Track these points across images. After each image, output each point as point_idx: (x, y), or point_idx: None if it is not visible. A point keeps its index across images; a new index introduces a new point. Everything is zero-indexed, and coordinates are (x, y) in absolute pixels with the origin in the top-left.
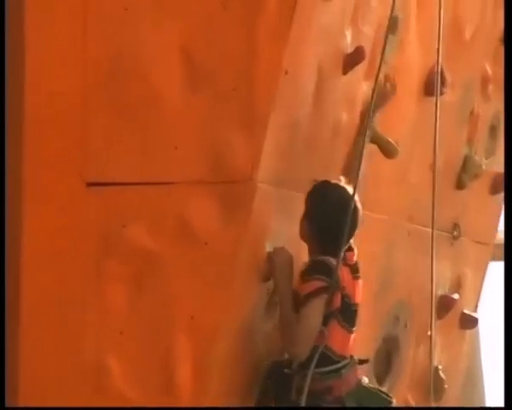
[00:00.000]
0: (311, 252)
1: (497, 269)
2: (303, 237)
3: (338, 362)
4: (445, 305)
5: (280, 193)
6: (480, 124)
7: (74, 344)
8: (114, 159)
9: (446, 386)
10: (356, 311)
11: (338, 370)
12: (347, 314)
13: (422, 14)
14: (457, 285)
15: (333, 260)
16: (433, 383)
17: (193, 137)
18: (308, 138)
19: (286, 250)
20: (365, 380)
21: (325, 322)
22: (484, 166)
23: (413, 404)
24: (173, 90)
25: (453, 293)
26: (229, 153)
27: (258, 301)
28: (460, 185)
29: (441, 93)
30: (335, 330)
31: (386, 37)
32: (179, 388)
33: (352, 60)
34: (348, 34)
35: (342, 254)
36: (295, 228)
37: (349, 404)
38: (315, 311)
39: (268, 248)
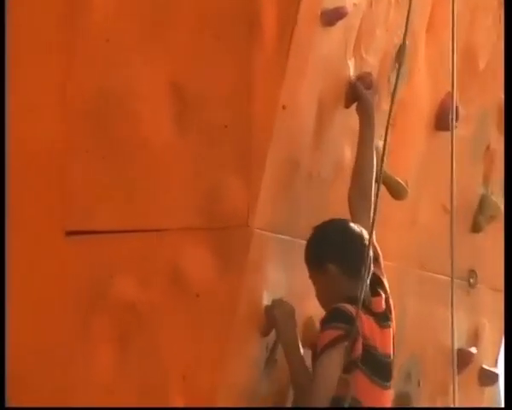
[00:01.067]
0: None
1: None
2: (327, 288)
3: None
4: (461, 360)
5: (279, 239)
6: (497, 160)
7: (60, 405)
8: (98, 205)
9: None
10: (389, 363)
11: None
12: (375, 367)
13: (431, 41)
14: (475, 338)
15: (349, 307)
16: None
17: (184, 180)
18: (309, 178)
19: (286, 302)
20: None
21: (346, 370)
22: (502, 207)
23: None
24: (162, 129)
25: (470, 346)
26: (224, 196)
27: (257, 359)
28: (476, 228)
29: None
30: (362, 382)
31: (400, 67)
32: None
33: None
34: (351, 64)
35: (364, 298)
36: (296, 277)
37: None
38: (333, 361)
39: (266, 299)
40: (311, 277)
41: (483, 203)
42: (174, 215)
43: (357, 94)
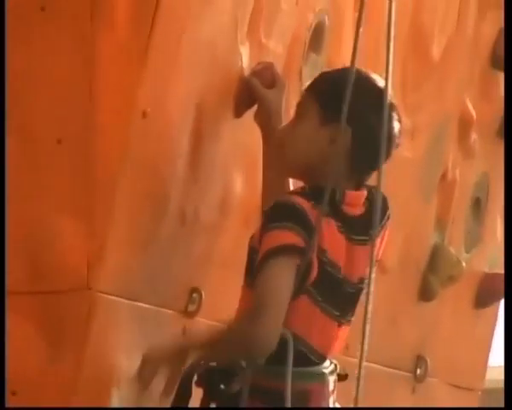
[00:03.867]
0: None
1: None
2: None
3: (316, 363)
4: None
5: (136, 308)
6: (457, 195)
7: None
8: None
9: None
10: (353, 294)
11: (321, 374)
12: (331, 293)
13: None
14: None
15: (306, 205)
16: None
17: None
18: (181, 219)
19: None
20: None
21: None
22: (464, 264)
23: None
24: None
25: None
26: (55, 246)
27: None
28: (427, 295)
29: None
30: (307, 309)
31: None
32: None
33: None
34: (244, 52)
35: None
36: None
37: None
38: (283, 273)
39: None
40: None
41: (437, 257)
42: None
43: (254, 95)
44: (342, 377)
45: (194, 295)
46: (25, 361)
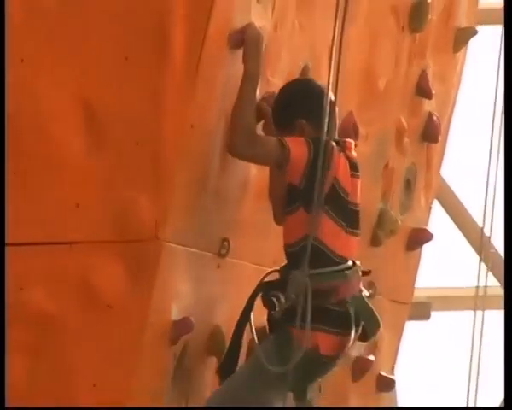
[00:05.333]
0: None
1: (414, 329)
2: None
3: (340, 263)
4: (360, 367)
5: (187, 252)
6: (394, 178)
7: None
8: (12, 218)
9: None
10: (357, 212)
11: (342, 271)
12: (342, 211)
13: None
14: (373, 346)
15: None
16: None
17: (95, 195)
18: (217, 194)
19: (257, 28)
20: (366, 292)
21: (309, 208)
22: (400, 222)
23: None
24: (74, 146)
25: (369, 354)
26: (134, 211)
27: (166, 367)
28: (375, 242)
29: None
30: (326, 224)
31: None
32: None
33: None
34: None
35: (338, 140)
36: (203, 288)
37: (352, 308)
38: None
39: (174, 313)
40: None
41: (382, 218)
42: (85, 228)
43: (262, 113)
44: (366, 273)
45: (225, 243)
46: (112, 287)
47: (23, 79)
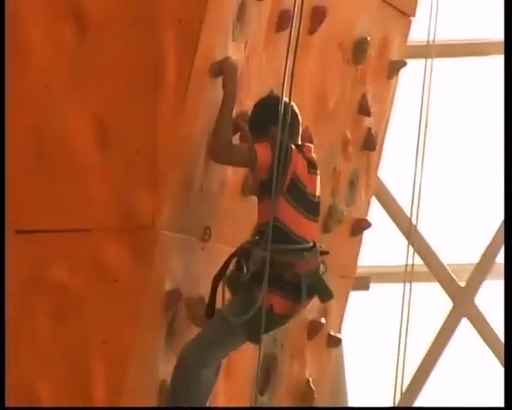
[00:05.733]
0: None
1: (356, 297)
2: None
3: (299, 243)
4: (314, 328)
5: (178, 237)
6: (341, 179)
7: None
8: (39, 211)
9: (316, 396)
10: (317, 203)
11: (300, 251)
12: (302, 200)
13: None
14: (324, 312)
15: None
16: (305, 393)
17: (106, 191)
18: (201, 191)
19: (233, 60)
20: (322, 269)
21: (269, 193)
22: (345, 214)
23: None
24: (88, 152)
25: (321, 318)
26: (136, 204)
27: (160, 328)
28: (326, 229)
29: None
30: (286, 209)
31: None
32: (95, 402)
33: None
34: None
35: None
36: (191, 267)
37: (304, 282)
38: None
39: (167, 286)
40: (255, 141)
41: (331, 211)
42: (98, 218)
43: (238, 127)
44: (325, 253)
45: (207, 230)
46: (119, 265)
47: (48, 101)
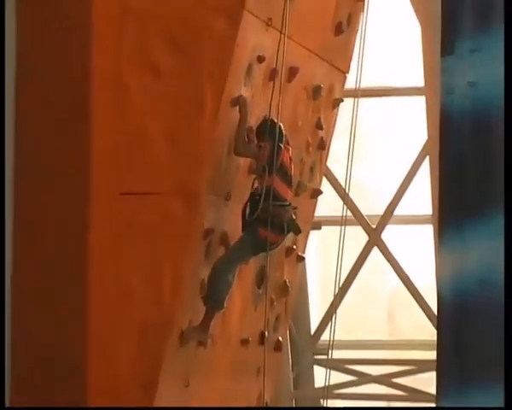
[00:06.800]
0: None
1: (312, 235)
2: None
3: (284, 201)
4: (289, 250)
5: (211, 198)
6: (305, 166)
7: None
8: (135, 179)
9: (290, 290)
10: (292, 178)
11: (284, 206)
12: (286, 176)
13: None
14: (295, 241)
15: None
16: (283, 288)
17: (173, 171)
18: (225, 171)
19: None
20: (294, 217)
21: (270, 173)
22: (307, 185)
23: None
24: (161, 150)
25: (293, 245)
26: (190, 178)
27: (201, 250)
28: (296, 195)
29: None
30: (278, 182)
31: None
32: (164, 292)
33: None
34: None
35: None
36: (220, 215)
37: (285, 224)
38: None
39: (206, 225)
40: (258, 142)
41: (299, 184)
42: (167, 185)
43: (247, 135)
44: (295, 208)
45: (228, 194)
46: (136, 223)
47: (135, 119)
